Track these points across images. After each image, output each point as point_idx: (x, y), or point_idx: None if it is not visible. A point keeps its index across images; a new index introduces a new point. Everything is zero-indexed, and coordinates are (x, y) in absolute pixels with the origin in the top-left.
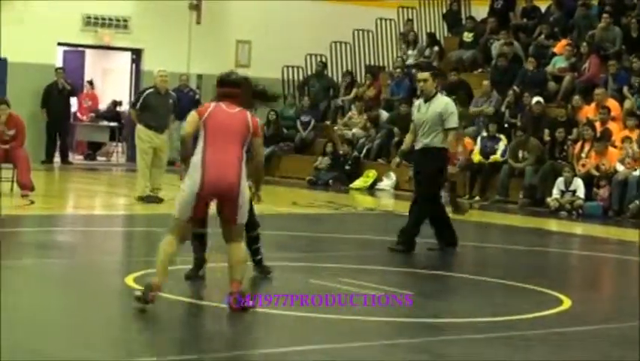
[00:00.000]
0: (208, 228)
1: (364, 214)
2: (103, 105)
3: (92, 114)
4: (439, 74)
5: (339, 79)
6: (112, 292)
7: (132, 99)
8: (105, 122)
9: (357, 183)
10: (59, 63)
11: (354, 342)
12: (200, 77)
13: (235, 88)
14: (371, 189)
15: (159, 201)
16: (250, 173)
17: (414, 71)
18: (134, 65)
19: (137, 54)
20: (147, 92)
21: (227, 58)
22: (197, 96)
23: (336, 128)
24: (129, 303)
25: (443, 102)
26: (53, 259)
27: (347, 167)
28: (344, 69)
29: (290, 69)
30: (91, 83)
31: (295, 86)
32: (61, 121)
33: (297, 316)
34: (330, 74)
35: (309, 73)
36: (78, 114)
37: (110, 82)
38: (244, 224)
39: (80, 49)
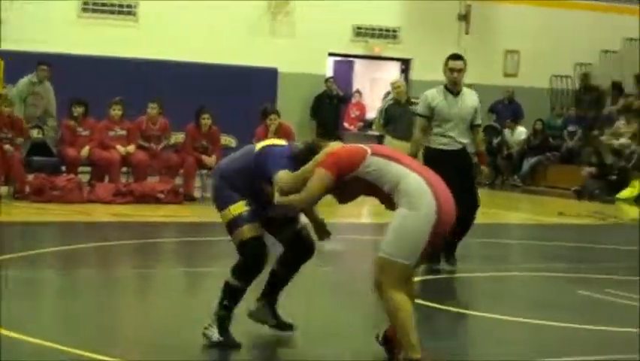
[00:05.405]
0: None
1: (631, 225)
2: (370, 115)
3: (360, 123)
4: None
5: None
6: None
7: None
8: (372, 132)
9: (624, 193)
10: (329, 73)
11: (616, 354)
12: (470, 86)
13: None
14: (638, 200)
15: None
16: None
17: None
18: (402, 75)
19: (406, 64)
20: (387, 105)
21: (495, 68)
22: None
23: (603, 138)
24: None
25: (474, 95)
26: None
27: (613, 177)
28: (612, 79)
29: (558, 79)
30: (359, 92)
31: (563, 96)
32: (330, 130)
33: (563, 327)
34: (597, 84)
35: (577, 82)
36: (345, 124)
37: (378, 92)
38: None
39: (350, 59)
